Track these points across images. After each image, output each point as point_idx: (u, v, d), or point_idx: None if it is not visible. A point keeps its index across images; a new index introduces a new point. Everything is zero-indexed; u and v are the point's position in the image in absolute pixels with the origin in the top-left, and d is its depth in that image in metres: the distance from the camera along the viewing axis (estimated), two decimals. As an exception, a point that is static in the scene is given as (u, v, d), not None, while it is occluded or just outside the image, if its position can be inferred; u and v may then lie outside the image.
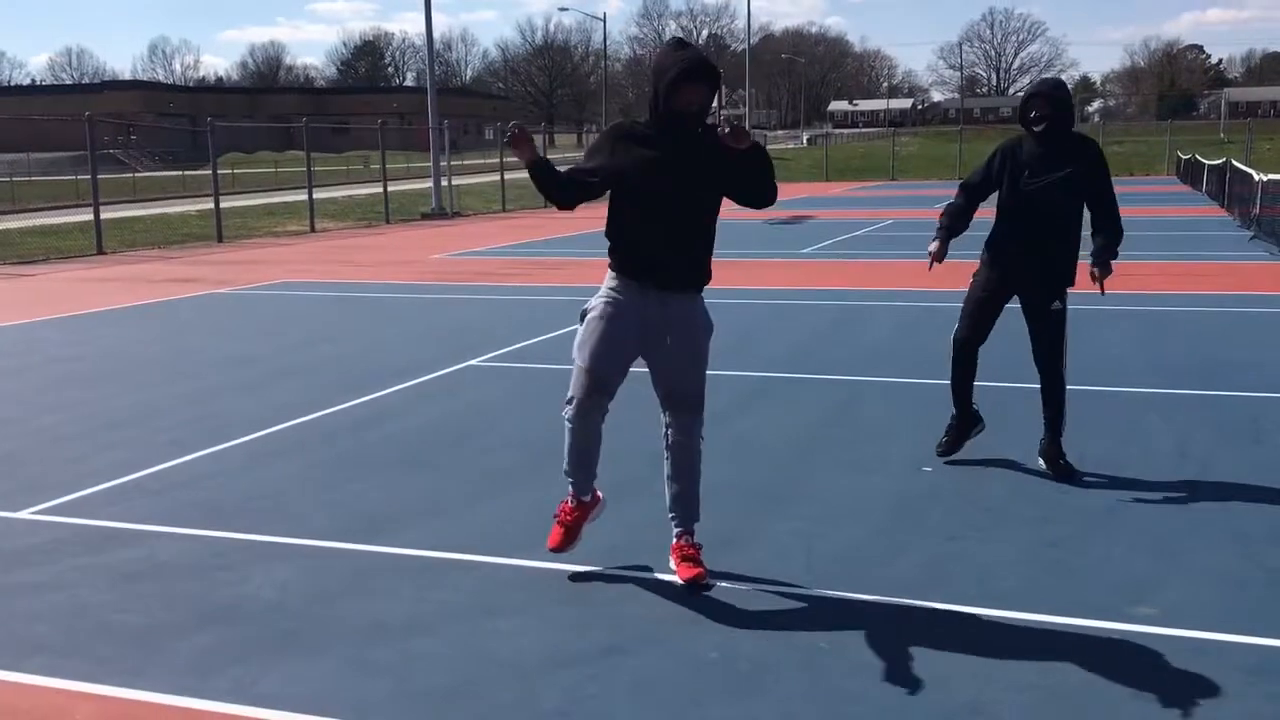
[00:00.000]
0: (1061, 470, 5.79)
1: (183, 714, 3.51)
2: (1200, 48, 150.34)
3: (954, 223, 5.94)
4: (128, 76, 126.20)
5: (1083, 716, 3.42)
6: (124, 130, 76.14)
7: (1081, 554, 4.75)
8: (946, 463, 6.08)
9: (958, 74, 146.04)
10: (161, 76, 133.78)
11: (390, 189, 30.28)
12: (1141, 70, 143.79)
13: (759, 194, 4.39)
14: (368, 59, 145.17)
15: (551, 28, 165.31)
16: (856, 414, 7.38)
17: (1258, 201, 19.14)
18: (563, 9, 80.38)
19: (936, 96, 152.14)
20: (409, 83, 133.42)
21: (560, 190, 4.37)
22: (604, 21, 69.96)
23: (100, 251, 20.74)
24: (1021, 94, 5.68)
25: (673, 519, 4.55)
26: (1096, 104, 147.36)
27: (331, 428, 7.17)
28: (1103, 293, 5.95)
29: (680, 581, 4.45)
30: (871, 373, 8.57)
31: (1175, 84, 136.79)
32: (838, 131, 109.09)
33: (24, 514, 5.51)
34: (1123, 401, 7.51)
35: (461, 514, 5.45)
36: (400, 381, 8.51)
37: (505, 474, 6.09)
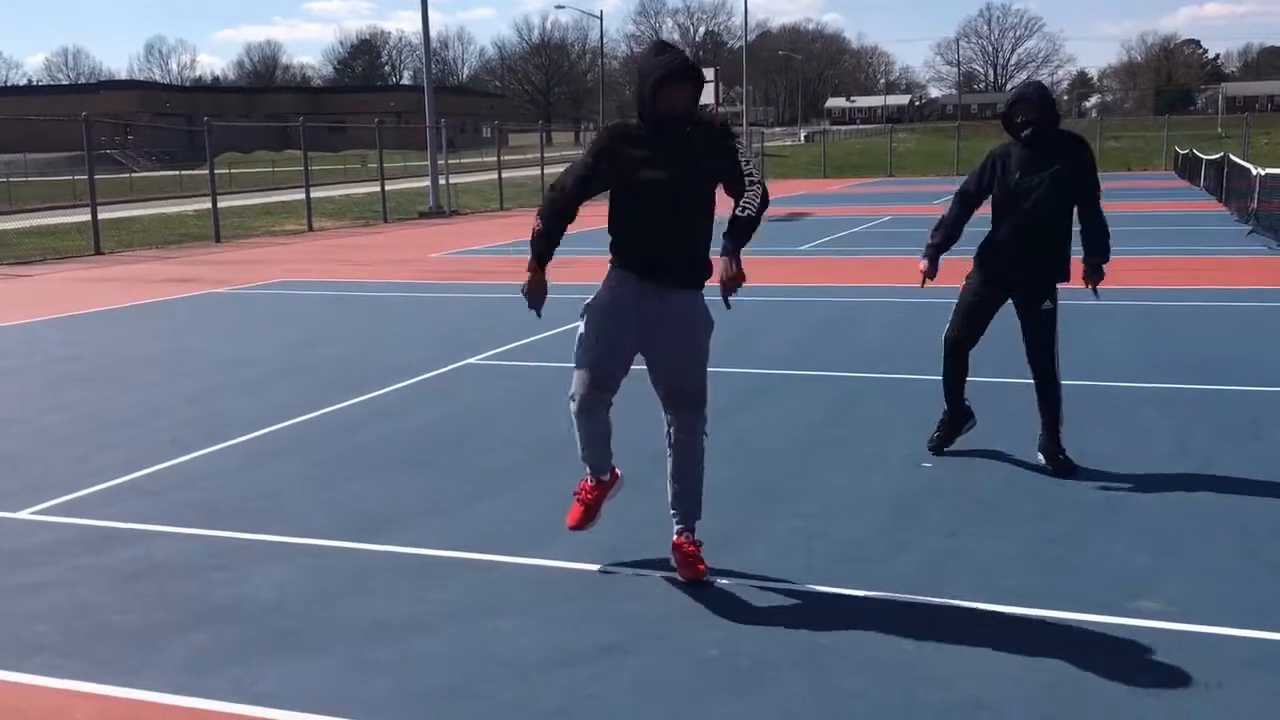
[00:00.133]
0: (1061, 466, 5.80)
1: (182, 713, 3.51)
2: (1197, 42, 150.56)
3: (944, 239, 6.01)
4: (124, 76, 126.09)
5: (1083, 712, 3.42)
6: (121, 130, 76.13)
7: (1081, 549, 4.74)
8: (946, 459, 6.09)
9: (955, 70, 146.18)
10: (158, 76, 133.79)
11: (388, 188, 30.26)
12: (1139, 65, 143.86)
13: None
14: (364, 58, 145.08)
15: (548, 26, 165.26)
16: (856, 411, 7.38)
17: (1255, 196, 19.14)
18: (559, 6, 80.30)
19: (934, 93, 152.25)
20: (406, 81, 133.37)
21: (561, 232, 4.52)
22: (600, 19, 69.97)
23: (98, 252, 20.72)
24: (1007, 102, 5.71)
25: (674, 516, 4.55)
26: (1094, 99, 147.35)
27: (330, 427, 7.17)
28: (1097, 297, 6.01)
29: (681, 580, 4.45)
30: (870, 369, 8.57)
31: (1172, 79, 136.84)
32: (835, 128, 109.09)
33: (24, 514, 5.50)
34: (1122, 397, 7.51)
35: (461, 513, 5.44)
36: (399, 380, 8.51)
37: (505, 473, 6.08)
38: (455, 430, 7.07)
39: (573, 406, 4.48)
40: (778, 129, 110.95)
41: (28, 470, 6.31)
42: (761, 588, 4.41)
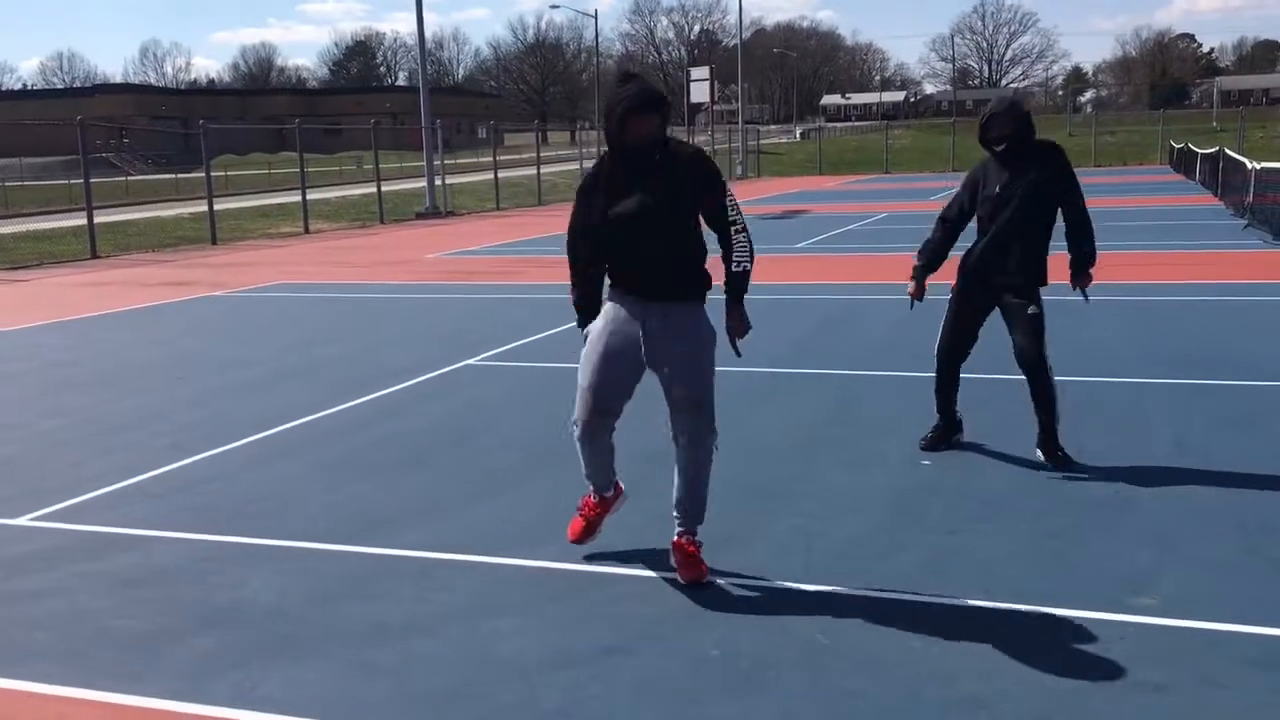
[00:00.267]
0: (1060, 462, 5.81)
1: (183, 719, 3.50)
2: (1192, 36, 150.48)
3: (929, 260, 6.06)
4: (119, 80, 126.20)
5: (1084, 710, 3.42)
6: (116, 134, 76.07)
7: (1082, 546, 4.75)
8: (946, 457, 6.09)
9: (950, 66, 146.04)
10: (153, 79, 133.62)
11: (384, 189, 30.24)
12: (1133, 60, 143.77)
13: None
14: (359, 59, 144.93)
15: (543, 25, 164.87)
16: (854, 409, 7.38)
17: (1251, 190, 19.15)
18: (554, 6, 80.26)
19: (929, 89, 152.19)
20: (401, 82, 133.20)
21: (596, 289, 4.61)
22: (595, 18, 69.88)
23: (94, 255, 20.71)
24: (983, 117, 5.77)
25: (676, 519, 4.56)
26: (1089, 94, 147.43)
27: (330, 429, 7.16)
28: (1086, 300, 6.06)
29: (681, 581, 4.46)
30: (869, 368, 8.58)
31: (1167, 73, 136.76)
32: (830, 125, 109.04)
33: (23, 520, 5.50)
34: (1120, 392, 7.51)
35: (461, 514, 5.44)
36: (397, 382, 8.50)
37: (504, 473, 6.08)
38: (454, 431, 7.07)
39: (576, 431, 4.57)
40: (773, 126, 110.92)
41: (26, 476, 6.30)
42: (761, 587, 4.41)
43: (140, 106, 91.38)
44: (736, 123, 60.11)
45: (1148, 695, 3.48)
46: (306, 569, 4.75)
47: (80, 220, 22.85)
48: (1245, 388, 7.51)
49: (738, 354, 4.59)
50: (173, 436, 7.05)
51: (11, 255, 21.03)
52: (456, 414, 7.57)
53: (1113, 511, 5.16)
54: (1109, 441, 6.24)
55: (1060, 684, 3.57)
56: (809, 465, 6.11)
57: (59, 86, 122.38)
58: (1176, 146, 43.67)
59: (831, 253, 17.64)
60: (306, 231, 25.97)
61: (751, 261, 4.49)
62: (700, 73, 52.95)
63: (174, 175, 56.51)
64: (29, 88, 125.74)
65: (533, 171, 36.96)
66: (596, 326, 4.51)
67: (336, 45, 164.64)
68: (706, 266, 4.48)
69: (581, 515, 4.79)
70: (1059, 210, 5.82)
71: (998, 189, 5.76)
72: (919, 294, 6.06)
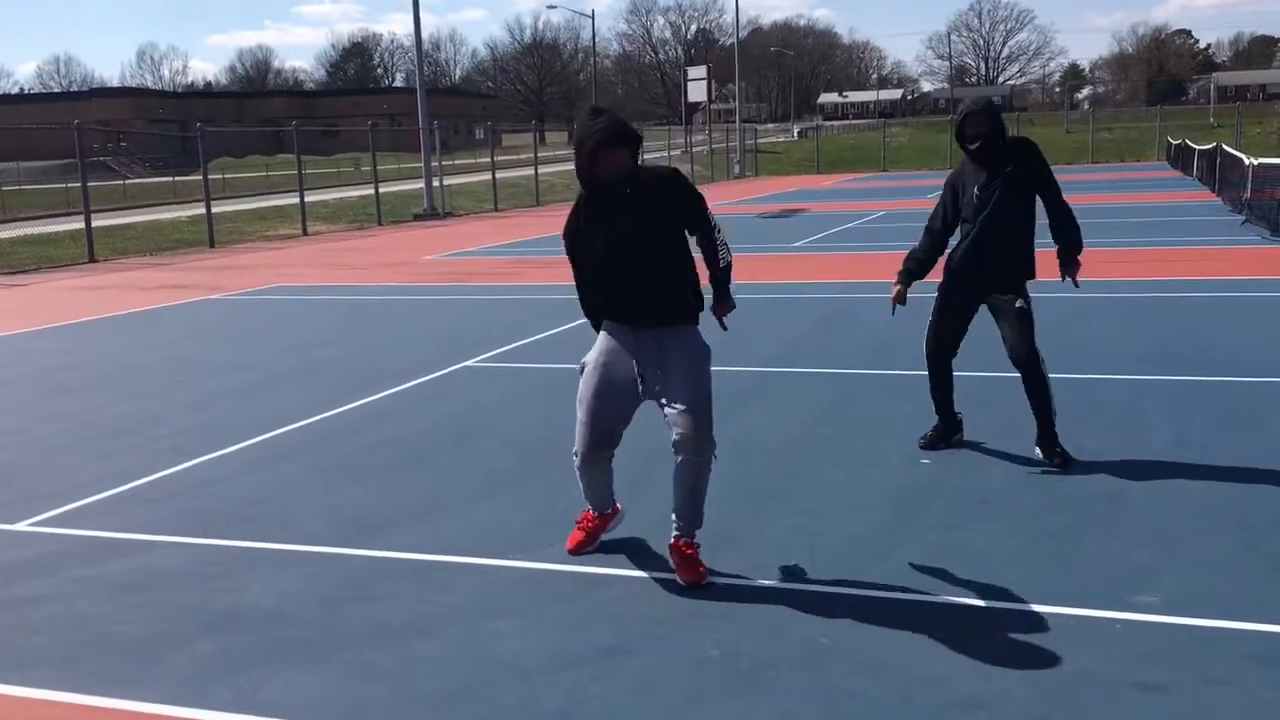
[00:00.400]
0: (1058, 459, 5.81)
1: (184, 724, 3.50)
2: (1189, 32, 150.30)
3: (917, 267, 6.07)
4: (116, 83, 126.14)
5: (1084, 709, 3.42)
6: (114, 137, 76.05)
7: (1081, 544, 4.75)
8: (945, 455, 6.09)
9: (947, 64, 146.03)
10: (150, 83, 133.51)
11: (381, 190, 30.24)
12: (1130, 56, 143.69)
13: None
14: (356, 61, 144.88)
15: (540, 26, 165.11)
16: (853, 408, 7.38)
17: (1248, 186, 19.15)
18: (551, 6, 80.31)
19: (926, 87, 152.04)
20: (398, 83, 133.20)
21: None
22: (593, 18, 69.89)
23: (92, 259, 20.70)
24: (958, 114, 5.82)
25: (675, 522, 4.56)
26: (1086, 91, 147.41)
27: (329, 431, 7.16)
28: (1076, 287, 6.07)
29: (681, 582, 4.46)
30: (868, 366, 8.57)
31: (1164, 69, 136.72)
32: (828, 124, 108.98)
33: (21, 525, 5.49)
34: (1118, 390, 7.51)
35: (460, 515, 5.44)
36: (396, 384, 8.50)
37: (503, 475, 6.08)
38: (453, 433, 7.06)
39: (576, 460, 4.64)
40: (770, 125, 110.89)
41: (23, 481, 6.30)
42: (761, 587, 4.40)
43: (137, 110, 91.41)
44: (734, 122, 60.09)
45: (1148, 694, 3.48)
46: (306, 572, 4.75)
47: (78, 224, 22.84)
48: (1244, 385, 7.51)
49: (724, 328, 4.73)
50: (171, 440, 7.04)
51: (9, 260, 21.01)
52: (455, 415, 7.56)
53: (1112, 509, 5.16)
54: (1108, 440, 6.24)
55: (1060, 683, 3.57)
56: (808, 465, 6.11)
57: (56, 90, 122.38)
58: (1174, 143, 43.69)
59: (829, 251, 17.64)
60: (304, 234, 25.96)
61: (730, 256, 4.63)
62: (697, 72, 52.96)
63: (171, 178, 56.45)
64: (26, 92, 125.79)
65: (530, 172, 36.96)
66: (591, 359, 4.56)
67: (333, 47, 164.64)
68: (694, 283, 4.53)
69: (580, 528, 4.85)
70: (1038, 204, 5.86)
71: (976, 190, 5.82)
72: (900, 298, 6.07)
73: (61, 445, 7.09)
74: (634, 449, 5.44)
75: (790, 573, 4.53)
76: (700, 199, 4.51)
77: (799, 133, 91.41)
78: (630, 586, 4.48)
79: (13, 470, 6.55)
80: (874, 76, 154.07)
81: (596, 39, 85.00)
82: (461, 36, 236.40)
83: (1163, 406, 7.01)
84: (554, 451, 6.14)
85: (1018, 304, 5.83)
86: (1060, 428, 5.89)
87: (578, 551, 4.79)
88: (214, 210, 24.72)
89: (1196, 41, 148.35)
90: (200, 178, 24.73)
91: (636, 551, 4.80)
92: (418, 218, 30.14)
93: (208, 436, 7.08)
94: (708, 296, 4.57)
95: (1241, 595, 4.16)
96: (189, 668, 3.88)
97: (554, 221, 25.48)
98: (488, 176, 36.40)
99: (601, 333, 4.59)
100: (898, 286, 6.04)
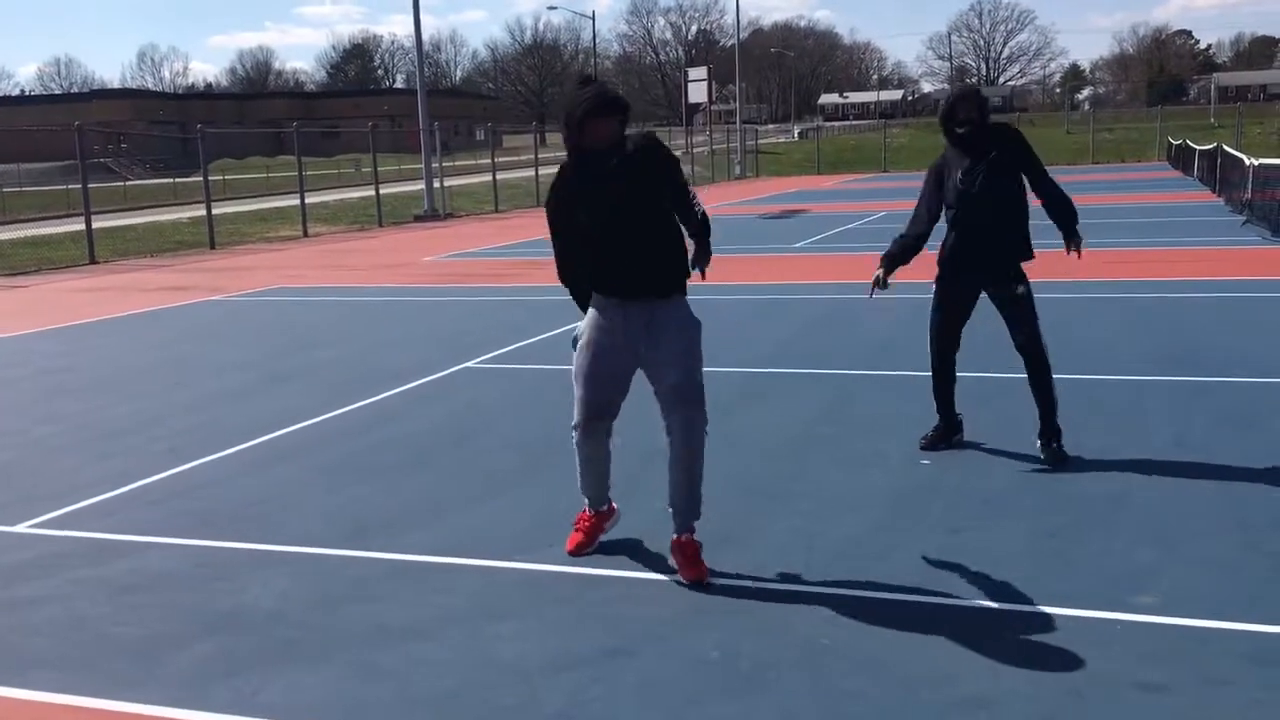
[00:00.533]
0: (1058, 460, 5.82)
1: (184, 725, 3.50)
2: (1189, 33, 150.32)
3: (902, 251, 6.08)
4: (117, 85, 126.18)
5: (1083, 709, 3.41)
6: (114, 139, 76.08)
7: (1082, 544, 4.74)
8: (945, 455, 6.09)
9: (947, 64, 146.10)
10: (151, 84, 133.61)
11: (382, 191, 30.24)
12: (1131, 57, 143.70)
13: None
14: (357, 62, 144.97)
15: (540, 27, 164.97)
16: (853, 408, 7.38)
17: (1249, 186, 19.14)
18: (551, 8, 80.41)
19: (926, 87, 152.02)
20: (399, 85, 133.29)
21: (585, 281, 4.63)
22: (593, 19, 69.97)
23: (92, 261, 20.70)
24: (946, 101, 5.89)
25: (674, 517, 4.57)
26: (1086, 91, 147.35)
27: (328, 433, 7.16)
28: (1079, 257, 6.07)
29: (683, 581, 4.46)
30: (868, 367, 8.57)
31: (1165, 70, 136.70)
32: (829, 124, 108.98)
33: (20, 527, 5.49)
34: (1118, 390, 7.51)
35: (461, 516, 5.43)
36: (396, 385, 8.50)
37: (504, 475, 6.08)
38: (454, 433, 7.06)
39: (576, 435, 4.64)
40: (771, 126, 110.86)
41: (22, 483, 6.30)
42: (761, 588, 4.40)
43: (138, 111, 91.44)
44: (734, 122, 60.10)
45: (1148, 694, 3.48)
46: (306, 573, 4.75)
47: (78, 226, 22.84)
48: (1244, 385, 7.51)
49: (702, 276, 4.66)
50: (170, 441, 7.04)
51: (10, 261, 21.02)
52: (456, 416, 7.56)
53: (1112, 510, 5.15)
54: (1108, 440, 6.24)
55: (1061, 683, 3.56)
56: (808, 465, 6.10)
57: (57, 92, 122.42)
58: (1174, 143, 43.66)
59: (830, 252, 17.63)
60: (305, 235, 25.96)
61: (705, 208, 4.63)
62: (698, 73, 52.98)
63: (172, 180, 56.49)
64: (27, 93, 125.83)
65: (531, 173, 36.94)
66: (584, 333, 4.56)
67: (334, 48, 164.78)
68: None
69: (577, 529, 4.85)
70: (1026, 188, 5.90)
71: (960, 174, 5.84)
72: (880, 283, 6.08)
73: (61, 447, 7.09)
74: (633, 449, 5.44)
75: (790, 573, 4.52)
76: (676, 161, 4.53)
77: (799, 133, 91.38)
78: (630, 587, 4.48)
79: (12, 472, 6.55)
80: (874, 77, 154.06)
81: (597, 40, 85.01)
82: (462, 38, 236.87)
83: (1163, 407, 7.00)
84: (554, 452, 6.14)
85: (1018, 290, 5.86)
86: (1061, 426, 5.89)
87: (578, 553, 4.78)
88: (214, 212, 24.72)
89: (1197, 42, 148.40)
90: (201, 179, 24.74)
91: (636, 552, 4.80)
92: (418, 219, 30.14)
93: (207, 438, 7.08)
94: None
95: (1241, 595, 4.16)
96: (189, 669, 3.88)
97: (554, 222, 25.46)
98: (488, 178, 36.41)
99: (591, 308, 4.58)
100: (878, 271, 6.06)
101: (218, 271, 18.45)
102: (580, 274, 4.58)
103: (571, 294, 4.69)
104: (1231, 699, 3.43)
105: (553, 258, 4.75)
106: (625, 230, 4.39)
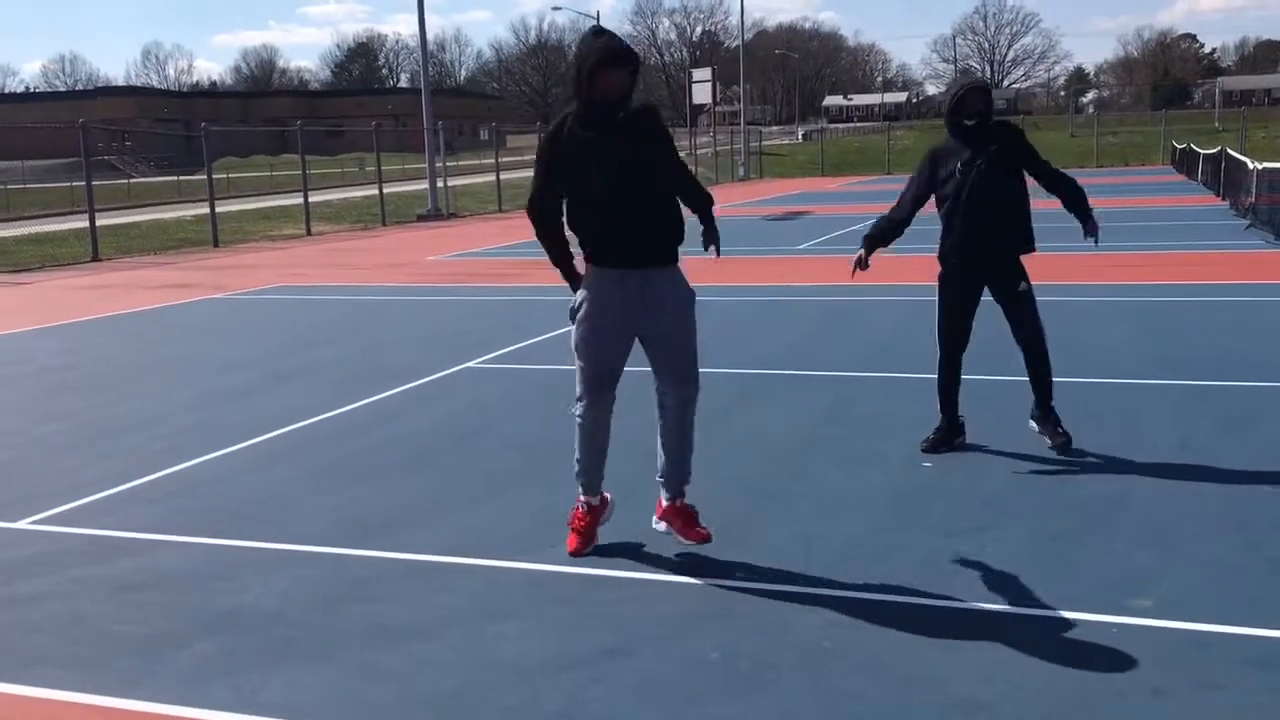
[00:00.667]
0: (1060, 439, 6.00)
1: (184, 723, 3.50)
2: (1194, 37, 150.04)
3: (884, 231, 6.16)
4: (121, 83, 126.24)
5: (1082, 711, 3.41)
6: (118, 136, 76.12)
7: (1082, 547, 4.74)
8: (946, 458, 6.09)
9: (952, 67, 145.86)
10: (155, 82, 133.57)
11: (386, 191, 30.27)
12: (1135, 60, 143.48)
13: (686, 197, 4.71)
14: (361, 61, 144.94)
15: (545, 27, 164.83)
16: (855, 410, 7.38)
17: (1253, 190, 19.13)
18: (556, 8, 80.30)
19: (931, 90, 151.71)
20: (403, 84, 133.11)
21: (561, 231, 4.66)
22: (597, 19, 69.93)
23: (96, 258, 20.72)
24: (956, 92, 5.94)
25: (665, 484, 4.67)
26: (1091, 95, 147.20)
27: (330, 432, 7.16)
28: (1097, 242, 6.14)
29: (686, 543, 4.60)
30: (870, 369, 8.57)
31: (1169, 73, 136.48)
32: (833, 126, 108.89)
33: (22, 524, 5.50)
34: (1121, 393, 7.50)
35: (462, 516, 5.44)
36: (398, 384, 8.50)
37: (505, 475, 6.08)
38: (455, 433, 7.06)
39: (578, 408, 4.67)
40: (775, 127, 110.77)
41: (24, 480, 6.31)
42: (761, 588, 4.40)
43: (142, 109, 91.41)
44: (739, 124, 60.10)
45: (1146, 697, 3.48)
46: (307, 572, 4.75)
47: (82, 223, 22.85)
48: (1247, 389, 7.50)
49: (717, 255, 4.82)
50: (171, 440, 7.05)
51: (14, 258, 21.04)
52: (458, 416, 7.57)
53: (1114, 512, 5.15)
54: (1110, 443, 6.23)
55: (1060, 686, 3.56)
56: (809, 466, 6.11)
57: (61, 89, 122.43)
58: (1179, 147, 43.61)
59: (833, 254, 17.62)
60: (308, 234, 25.98)
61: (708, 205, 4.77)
62: (702, 74, 53.02)
63: (176, 177, 56.45)
64: (31, 90, 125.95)
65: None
66: (581, 306, 4.58)
67: (338, 47, 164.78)
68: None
69: (574, 529, 4.85)
70: (1028, 187, 5.94)
71: (959, 165, 5.86)
72: (863, 262, 6.14)
73: (62, 444, 7.10)
74: (632, 449, 5.45)
75: (791, 574, 4.53)
76: (671, 138, 4.58)
77: (803, 135, 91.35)
78: (631, 588, 4.48)
79: (13, 469, 6.56)
80: (879, 79, 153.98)
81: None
82: (466, 37, 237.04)
83: (1166, 410, 7.00)
84: (556, 452, 6.14)
85: (1021, 286, 5.94)
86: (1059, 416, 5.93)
87: (579, 552, 4.79)
88: (218, 210, 24.73)
89: (1202, 46, 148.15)
90: (205, 177, 24.74)
91: (637, 553, 4.80)
92: (422, 218, 30.15)
93: (209, 436, 7.08)
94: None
95: (1239, 598, 4.16)
96: (189, 667, 3.88)
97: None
98: (492, 178, 36.46)
99: (588, 279, 4.60)
100: (860, 251, 6.11)
101: (221, 270, 18.47)
102: (554, 211, 4.61)
103: (537, 229, 4.70)
104: (1230, 703, 3.43)
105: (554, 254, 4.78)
106: (631, 187, 4.41)
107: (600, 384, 4.62)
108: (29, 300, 15.18)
